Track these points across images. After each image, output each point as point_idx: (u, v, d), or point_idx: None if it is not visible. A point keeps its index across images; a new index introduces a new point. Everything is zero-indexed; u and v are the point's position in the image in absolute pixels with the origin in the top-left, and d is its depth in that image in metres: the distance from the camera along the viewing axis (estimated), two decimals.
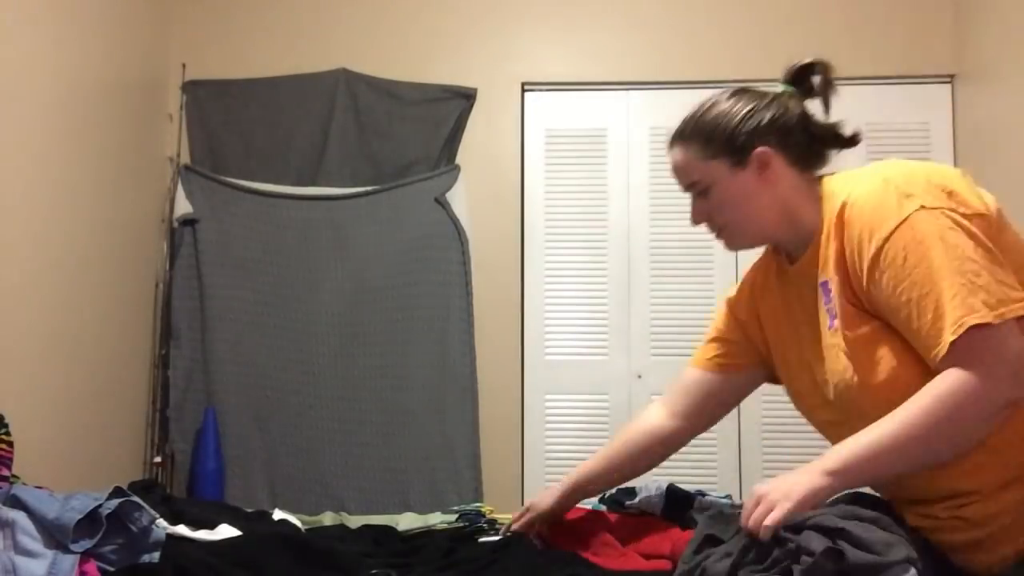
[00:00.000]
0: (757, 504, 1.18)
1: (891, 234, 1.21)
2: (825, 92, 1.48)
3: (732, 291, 1.61)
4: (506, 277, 3.48)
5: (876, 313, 1.26)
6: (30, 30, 2.57)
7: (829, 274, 1.31)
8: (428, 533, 2.19)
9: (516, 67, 3.56)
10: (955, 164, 3.38)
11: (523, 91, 3.56)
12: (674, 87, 3.50)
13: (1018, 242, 1.26)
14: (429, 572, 1.70)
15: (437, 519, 2.49)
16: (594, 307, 3.46)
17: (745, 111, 1.40)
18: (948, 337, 1.15)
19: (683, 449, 3.06)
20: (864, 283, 1.25)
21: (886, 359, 1.25)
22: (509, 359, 3.45)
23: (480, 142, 3.53)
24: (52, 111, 2.69)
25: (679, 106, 3.68)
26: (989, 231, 1.21)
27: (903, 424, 1.17)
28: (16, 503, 1.57)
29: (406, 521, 2.46)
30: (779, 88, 1.46)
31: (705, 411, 1.65)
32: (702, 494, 2.16)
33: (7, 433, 1.94)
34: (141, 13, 3.33)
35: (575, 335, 3.47)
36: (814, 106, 1.49)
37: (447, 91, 3.53)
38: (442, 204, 3.44)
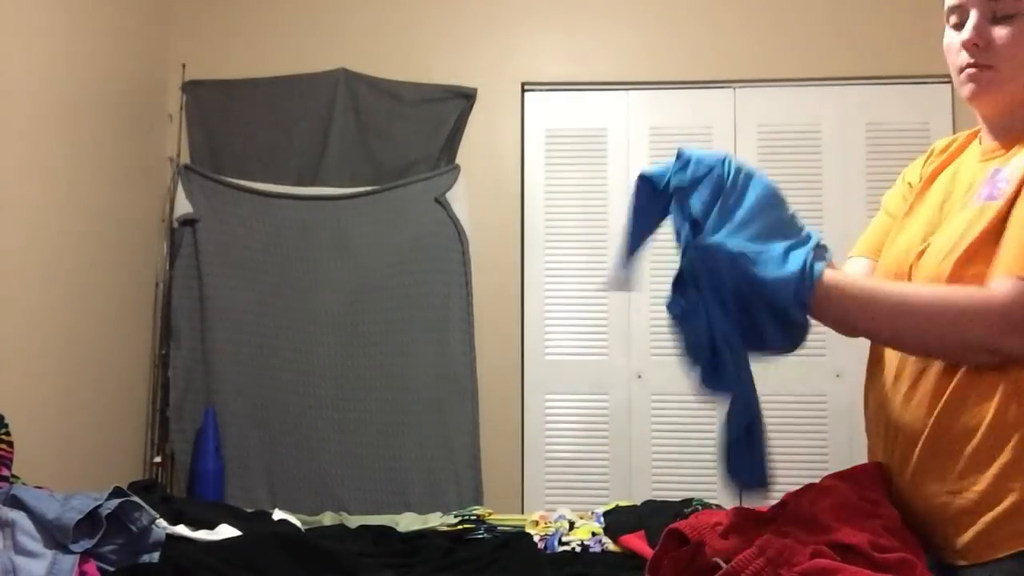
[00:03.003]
0: None
1: None
2: None
3: (906, 172, 1.48)
4: (506, 277, 3.48)
5: None
6: (30, 31, 2.57)
7: (1011, 162, 1.18)
8: (428, 533, 2.20)
9: (516, 67, 3.56)
10: None
11: (523, 91, 3.56)
12: (674, 87, 3.50)
13: None
14: (429, 572, 1.70)
15: (437, 519, 2.49)
16: (594, 307, 3.46)
17: None
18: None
19: (681, 452, 3.12)
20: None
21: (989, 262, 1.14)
22: (509, 359, 3.45)
23: (480, 142, 3.53)
24: (52, 111, 2.69)
25: (679, 106, 3.68)
26: None
27: (914, 299, 1.14)
28: (16, 503, 1.57)
29: (406, 521, 2.46)
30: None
31: None
32: (690, 502, 2.17)
33: (7, 433, 1.94)
34: (141, 13, 3.33)
35: (575, 335, 3.47)
36: None
37: (447, 91, 3.53)
38: (442, 204, 3.44)
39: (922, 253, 1.23)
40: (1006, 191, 1.16)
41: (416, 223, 3.43)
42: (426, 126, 3.52)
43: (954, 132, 3.38)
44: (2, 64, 2.43)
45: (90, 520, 1.54)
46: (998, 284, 1.11)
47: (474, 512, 2.55)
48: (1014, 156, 1.20)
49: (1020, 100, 1.23)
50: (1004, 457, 1.14)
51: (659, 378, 3.39)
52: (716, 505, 2.19)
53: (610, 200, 3.48)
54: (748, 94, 3.48)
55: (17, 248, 2.50)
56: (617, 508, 2.40)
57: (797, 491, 1.26)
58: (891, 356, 1.28)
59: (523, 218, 3.51)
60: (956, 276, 1.16)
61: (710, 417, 3.36)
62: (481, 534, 2.23)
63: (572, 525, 2.34)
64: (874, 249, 1.43)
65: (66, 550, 1.48)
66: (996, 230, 1.15)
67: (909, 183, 1.44)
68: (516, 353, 3.45)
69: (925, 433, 1.21)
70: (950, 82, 3.63)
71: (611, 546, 2.13)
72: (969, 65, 1.25)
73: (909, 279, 1.25)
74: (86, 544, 1.51)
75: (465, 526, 2.36)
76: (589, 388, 3.44)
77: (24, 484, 1.85)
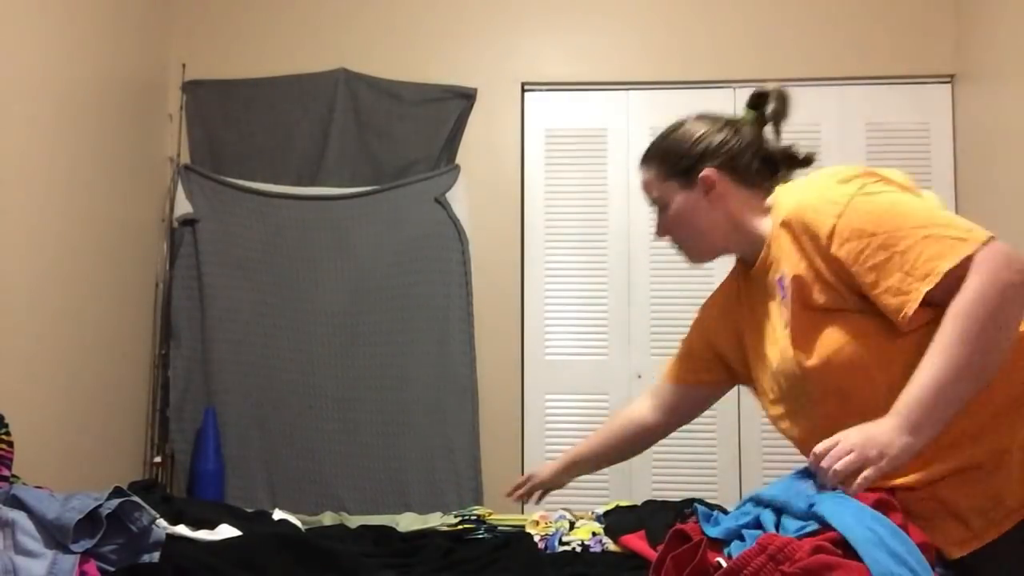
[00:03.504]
0: (844, 452, 1.17)
1: (844, 210, 1.28)
2: (776, 119, 1.58)
3: (706, 302, 1.72)
4: (506, 277, 3.48)
5: (845, 284, 1.29)
6: (30, 31, 2.57)
7: (782, 270, 1.38)
8: (428, 533, 2.19)
9: (516, 67, 3.56)
10: (955, 164, 3.38)
11: (523, 91, 3.56)
12: (674, 87, 3.51)
13: None
14: (429, 572, 1.70)
15: (437, 519, 2.49)
16: (594, 307, 3.46)
17: (696, 136, 1.53)
18: (929, 286, 1.20)
19: (681, 452, 3.12)
20: (828, 262, 1.30)
21: (831, 338, 1.30)
22: (509, 359, 3.45)
23: (480, 142, 3.53)
24: (52, 111, 2.69)
25: (679, 106, 3.69)
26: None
27: (945, 348, 1.18)
28: (16, 503, 1.57)
29: (406, 521, 2.46)
30: (740, 113, 1.59)
31: (682, 413, 1.82)
32: (691, 503, 2.16)
33: (7, 433, 1.94)
34: (141, 13, 3.33)
35: (575, 335, 3.47)
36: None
37: (447, 91, 3.53)
38: (442, 204, 3.44)
39: (785, 370, 1.39)
40: (788, 300, 1.36)
41: (416, 223, 3.43)
42: (426, 126, 3.52)
43: (954, 132, 3.41)
44: (2, 64, 2.43)
45: (90, 520, 1.53)
46: (973, 266, 1.19)
47: (474, 512, 2.55)
48: (776, 262, 1.40)
49: (720, 243, 1.54)
50: (984, 441, 1.24)
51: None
52: (717, 505, 2.19)
53: (610, 200, 3.48)
54: (748, 94, 3.46)
55: (17, 248, 2.50)
56: (617, 508, 2.40)
57: None
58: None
59: (523, 218, 3.51)
60: (833, 368, 1.31)
61: (710, 417, 3.36)
62: (481, 534, 2.23)
63: (572, 525, 2.33)
64: (675, 377, 1.78)
65: (66, 550, 1.48)
66: (801, 312, 1.34)
67: (702, 330, 1.73)
68: (516, 353, 3.45)
69: None
70: (950, 82, 3.65)
71: (611, 546, 2.13)
72: (673, 245, 1.60)
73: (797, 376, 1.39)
74: (86, 544, 1.51)
75: (465, 526, 2.35)
76: (589, 388, 3.44)
77: (24, 484, 1.85)
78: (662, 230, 1.59)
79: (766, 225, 1.45)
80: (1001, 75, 3.10)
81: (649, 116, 3.50)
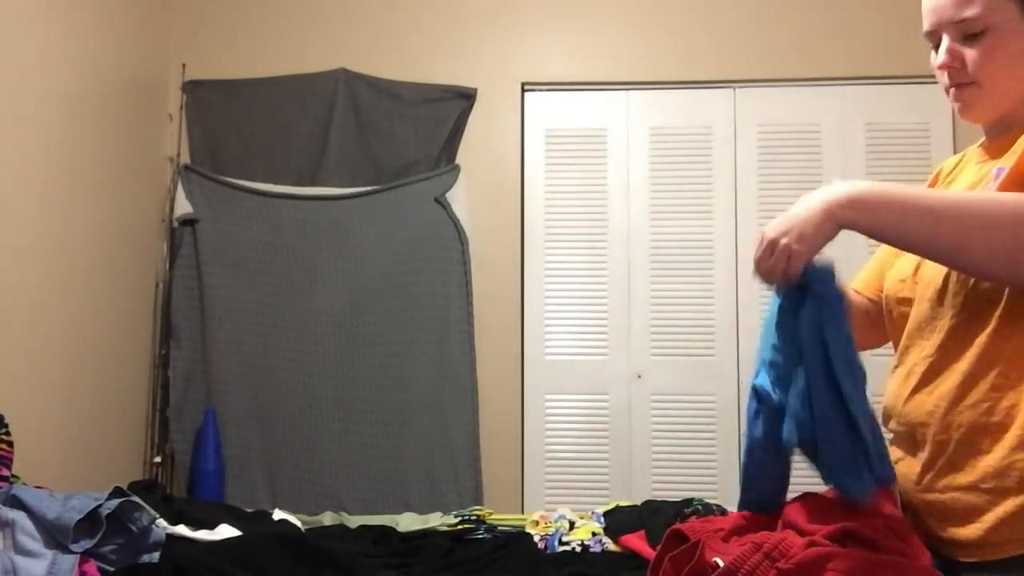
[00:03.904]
0: (768, 252, 1.10)
1: None
2: None
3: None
4: (506, 277, 3.48)
5: None
6: (30, 30, 2.57)
7: (1009, 161, 1.17)
8: (428, 533, 2.20)
9: (516, 67, 3.56)
10: None
11: (523, 91, 3.56)
12: (674, 87, 3.51)
13: None
14: (429, 572, 1.70)
15: (437, 519, 2.49)
16: (594, 307, 3.46)
17: None
18: None
19: (681, 452, 3.11)
20: None
21: None
22: (509, 359, 3.45)
23: (480, 142, 3.53)
24: (52, 111, 2.69)
25: (678, 106, 3.69)
26: None
27: (956, 199, 1.08)
28: (16, 503, 1.57)
29: (406, 521, 2.46)
30: None
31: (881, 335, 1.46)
32: (690, 503, 2.16)
33: (7, 433, 1.94)
34: (141, 13, 3.33)
35: (575, 335, 3.47)
36: None
37: (447, 91, 3.53)
38: (442, 204, 3.44)
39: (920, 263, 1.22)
40: (1002, 179, 1.15)
41: (416, 223, 3.43)
42: (426, 126, 3.52)
43: (954, 132, 3.40)
44: (2, 64, 2.43)
45: (90, 520, 1.54)
46: None
47: (474, 512, 2.55)
48: (1012, 151, 1.19)
49: (1008, 106, 1.23)
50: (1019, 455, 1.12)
51: (659, 378, 3.39)
52: (716, 505, 2.19)
53: (610, 200, 3.48)
54: (748, 94, 3.48)
55: (17, 248, 2.50)
56: (617, 508, 2.40)
57: (800, 497, 1.26)
58: (908, 350, 1.27)
59: (523, 218, 3.51)
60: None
61: (710, 417, 3.36)
62: (481, 534, 2.23)
63: (572, 525, 2.34)
64: (870, 286, 1.43)
65: (66, 550, 1.48)
66: None
67: None
68: (516, 353, 3.45)
69: (939, 428, 1.19)
70: None
71: (611, 546, 2.13)
72: (951, 85, 1.25)
73: (912, 289, 1.25)
74: (86, 544, 1.51)
75: (465, 526, 2.36)
76: (589, 388, 3.44)
77: (24, 484, 1.85)
78: (955, 60, 1.22)
79: None
80: None
81: (649, 116, 3.50)
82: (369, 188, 3.48)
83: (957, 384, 1.17)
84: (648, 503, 2.40)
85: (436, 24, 3.57)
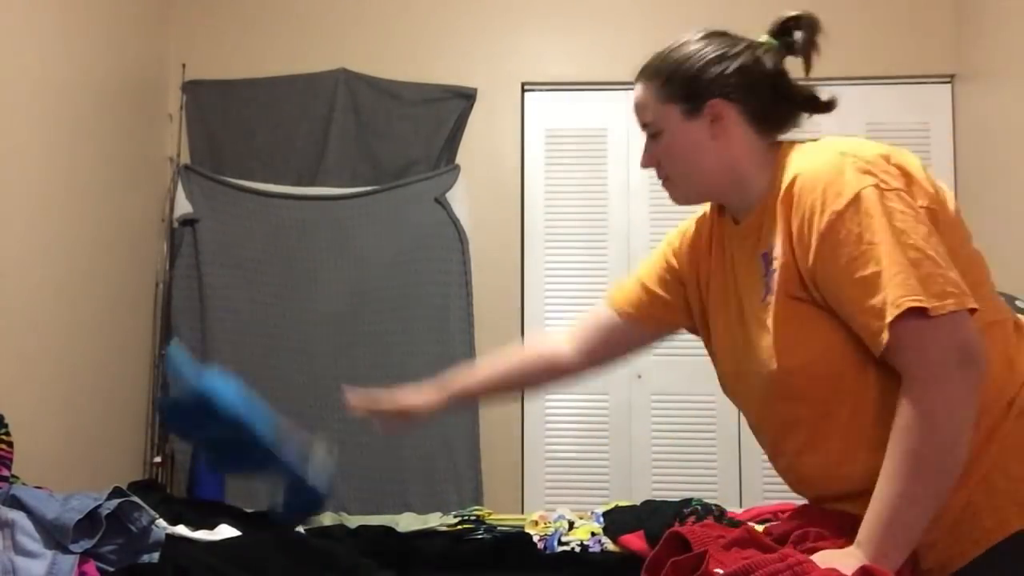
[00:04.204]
0: None
1: (845, 208, 1.14)
2: (807, 50, 1.37)
3: (675, 238, 1.49)
4: (506, 277, 3.48)
5: (819, 293, 1.18)
6: (30, 30, 2.57)
7: (772, 246, 1.23)
8: (428, 533, 2.20)
9: (516, 67, 3.56)
10: (955, 164, 3.38)
11: (523, 91, 3.56)
12: None
13: (964, 246, 1.22)
14: (429, 572, 1.70)
15: (437, 519, 2.49)
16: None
17: (711, 57, 1.33)
18: (889, 315, 1.09)
19: (681, 452, 3.08)
20: (811, 258, 1.17)
21: (809, 343, 1.19)
22: None
23: (480, 142, 3.53)
24: (52, 111, 2.69)
25: None
26: (938, 226, 1.16)
27: (898, 476, 1.10)
28: (16, 503, 1.57)
29: (406, 521, 2.46)
30: (761, 38, 1.38)
31: (608, 356, 1.57)
32: (690, 502, 2.16)
33: (7, 433, 1.94)
34: (141, 13, 3.33)
35: None
36: (795, 64, 1.38)
37: (447, 91, 3.53)
38: (442, 204, 3.44)
39: (757, 361, 1.26)
40: (773, 284, 1.22)
41: (416, 223, 3.43)
42: (426, 126, 3.52)
43: (954, 132, 3.40)
44: (2, 64, 2.43)
45: (90, 520, 1.54)
46: (888, 356, 1.11)
47: (474, 512, 2.55)
48: (769, 233, 1.25)
49: (715, 189, 1.34)
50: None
51: (659, 378, 3.39)
52: (715, 505, 2.19)
53: (610, 200, 3.48)
54: None
55: (17, 248, 2.50)
56: (616, 508, 2.40)
57: (799, 515, 1.26)
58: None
59: (523, 218, 3.51)
60: (806, 377, 1.21)
61: (710, 417, 3.36)
62: (481, 534, 2.23)
63: (572, 525, 2.33)
64: (629, 304, 1.51)
65: (66, 550, 1.48)
66: (785, 301, 1.21)
67: (670, 262, 1.49)
68: None
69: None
70: (950, 82, 3.64)
71: (611, 546, 2.13)
72: (659, 178, 1.38)
73: (745, 390, 1.33)
74: (86, 544, 1.51)
75: (465, 526, 2.36)
76: (589, 388, 3.43)
77: (24, 484, 1.85)
78: (651, 160, 1.37)
79: (764, 182, 1.27)
80: (1001, 75, 3.10)
81: None
82: (369, 188, 3.48)
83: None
84: (647, 503, 2.39)
85: (436, 24, 3.57)
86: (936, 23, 3.44)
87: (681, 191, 1.37)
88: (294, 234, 3.43)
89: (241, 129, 3.55)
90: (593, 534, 2.23)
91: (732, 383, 1.39)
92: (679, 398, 3.37)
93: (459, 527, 2.35)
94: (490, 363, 1.64)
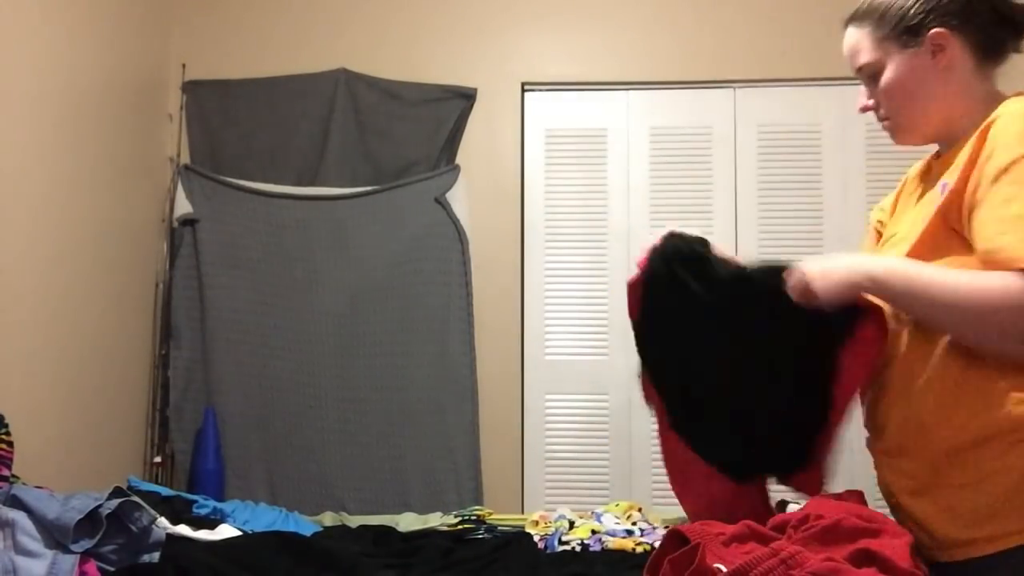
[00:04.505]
0: (799, 283, 1.25)
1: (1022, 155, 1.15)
2: None
3: (885, 199, 1.53)
4: (506, 277, 3.48)
5: (968, 227, 1.20)
6: (30, 31, 2.57)
7: (952, 176, 1.24)
8: (428, 533, 2.20)
9: (516, 67, 3.56)
10: None
11: (523, 91, 3.56)
12: (674, 87, 3.50)
13: None
14: (429, 572, 1.70)
15: (437, 519, 2.50)
16: (594, 307, 3.46)
17: None
18: (1006, 264, 1.11)
19: None
20: (978, 190, 1.18)
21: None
22: (509, 359, 3.45)
23: (480, 142, 3.53)
24: (52, 111, 2.69)
25: (678, 106, 3.68)
26: None
27: (953, 287, 1.15)
28: (16, 503, 1.57)
29: (406, 521, 2.46)
30: None
31: None
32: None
33: (7, 433, 1.94)
34: (141, 13, 3.33)
35: (575, 335, 3.47)
36: None
37: (447, 91, 3.53)
38: (442, 204, 3.44)
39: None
40: (939, 208, 1.24)
41: (416, 223, 3.43)
42: (426, 126, 3.52)
43: None
44: (2, 64, 2.43)
45: (90, 520, 1.54)
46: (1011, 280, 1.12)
47: (474, 512, 2.55)
48: (955, 165, 1.25)
49: (933, 127, 1.34)
50: (1003, 458, 1.16)
51: None
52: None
53: (610, 200, 3.48)
54: (748, 94, 3.48)
55: (17, 248, 2.50)
56: None
57: (803, 511, 1.26)
58: (897, 355, 1.29)
59: (523, 218, 3.51)
60: None
61: None
62: (481, 534, 2.23)
63: (572, 524, 2.34)
64: None
65: (66, 550, 1.48)
66: (940, 223, 1.24)
67: (879, 222, 1.52)
68: (516, 353, 3.45)
69: (932, 431, 1.22)
70: None
71: (611, 545, 2.13)
72: (879, 121, 1.39)
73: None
74: (86, 544, 1.51)
75: (465, 526, 2.36)
76: (589, 388, 3.44)
77: (24, 484, 1.85)
78: (869, 103, 1.37)
79: (979, 119, 1.25)
80: (1000, 75, 3.10)
81: (649, 116, 3.50)
82: (369, 188, 3.48)
83: (960, 391, 1.21)
84: None
85: (436, 24, 3.57)
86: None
87: (906, 128, 1.36)
88: (294, 234, 3.43)
89: (241, 129, 3.55)
90: (593, 532, 2.23)
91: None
92: None
93: (459, 527, 2.35)
94: None
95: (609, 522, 2.39)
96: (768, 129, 3.45)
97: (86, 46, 2.90)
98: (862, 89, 1.38)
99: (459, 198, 3.46)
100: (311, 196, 3.46)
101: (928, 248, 1.23)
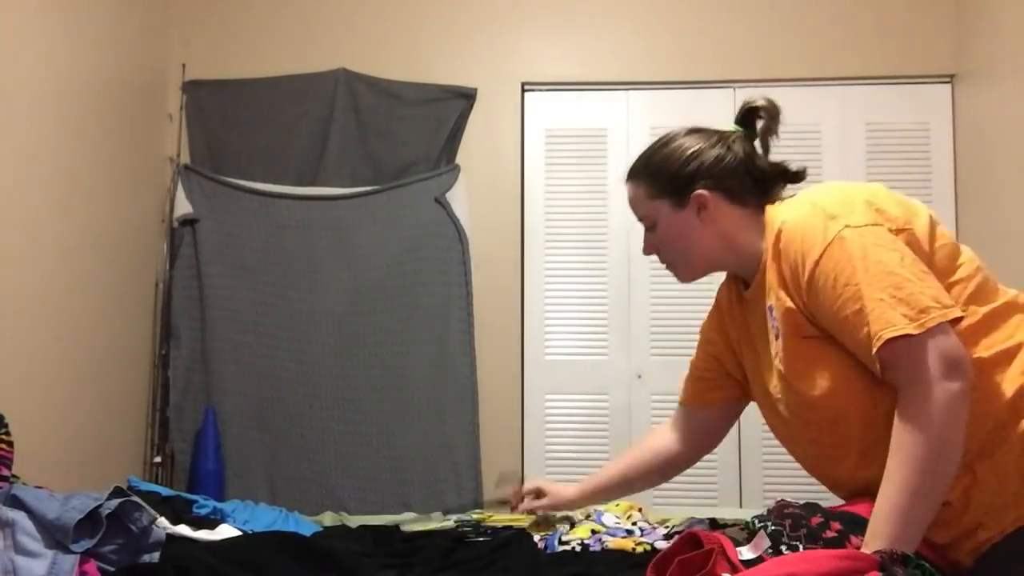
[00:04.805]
0: None
1: (820, 257, 1.27)
2: (765, 136, 1.51)
3: (705, 325, 1.71)
4: (506, 277, 3.48)
5: (823, 329, 1.31)
6: (30, 31, 2.57)
7: (772, 299, 1.37)
8: (428, 533, 2.20)
9: (516, 67, 3.56)
10: (955, 164, 3.38)
11: (523, 91, 3.56)
12: (673, 87, 3.51)
13: (952, 251, 1.33)
14: (429, 572, 1.70)
15: (438, 520, 2.49)
16: (594, 307, 3.46)
17: (688, 153, 1.48)
18: (874, 347, 1.22)
19: None
20: (805, 303, 1.31)
21: (822, 375, 1.31)
22: (509, 359, 3.45)
23: (480, 142, 3.53)
24: (52, 111, 2.69)
25: (678, 106, 3.68)
26: (915, 244, 1.29)
27: (905, 481, 1.19)
28: (16, 503, 1.57)
29: (406, 521, 2.46)
30: (730, 128, 1.54)
31: (703, 437, 1.82)
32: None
33: (7, 433, 1.94)
34: (141, 13, 3.33)
35: (575, 335, 3.47)
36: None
37: (447, 91, 3.53)
38: (442, 204, 3.44)
39: (781, 400, 1.43)
40: (778, 329, 1.37)
41: (416, 223, 3.43)
42: (426, 126, 3.52)
43: (954, 132, 3.40)
44: (2, 64, 2.43)
45: (90, 520, 1.53)
46: (888, 377, 1.24)
47: (472, 517, 2.54)
48: (768, 288, 1.39)
49: (714, 262, 1.51)
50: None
51: (659, 378, 3.39)
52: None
53: (610, 200, 3.48)
54: (748, 94, 3.47)
55: (17, 248, 2.50)
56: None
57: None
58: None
59: (523, 218, 3.51)
60: (827, 403, 1.33)
61: None
62: (481, 537, 2.23)
63: (572, 525, 2.33)
64: (695, 398, 1.76)
65: (66, 550, 1.48)
66: (795, 341, 1.35)
67: (709, 342, 1.71)
68: (516, 353, 3.45)
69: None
70: (950, 82, 3.64)
71: (611, 544, 2.13)
72: (662, 263, 1.58)
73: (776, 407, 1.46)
74: (86, 544, 1.51)
75: (463, 530, 2.35)
76: (589, 388, 3.44)
77: (24, 484, 1.85)
78: (651, 249, 1.57)
79: (759, 245, 1.43)
80: (1001, 75, 3.10)
81: (649, 116, 3.50)
82: (369, 188, 3.48)
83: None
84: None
85: (436, 24, 3.57)
86: (936, 23, 3.44)
87: (684, 271, 1.55)
88: (294, 234, 3.44)
89: (241, 129, 3.55)
90: (593, 532, 2.23)
91: (772, 425, 1.54)
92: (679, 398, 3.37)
93: (459, 529, 2.35)
94: (619, 469, 1.91)
95: (609, 522, 2.39)
96: None
97: (86, 46, 2.90)
98: (644, 235, 1.57)
99: (459, 198, 3.46)
100: (311, 196, 3.46)
101: (801, 363, 1.34)
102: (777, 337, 1.37)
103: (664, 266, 1.58)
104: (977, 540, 1.26)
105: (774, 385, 1.42)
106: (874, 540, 1.18)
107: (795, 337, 1.34)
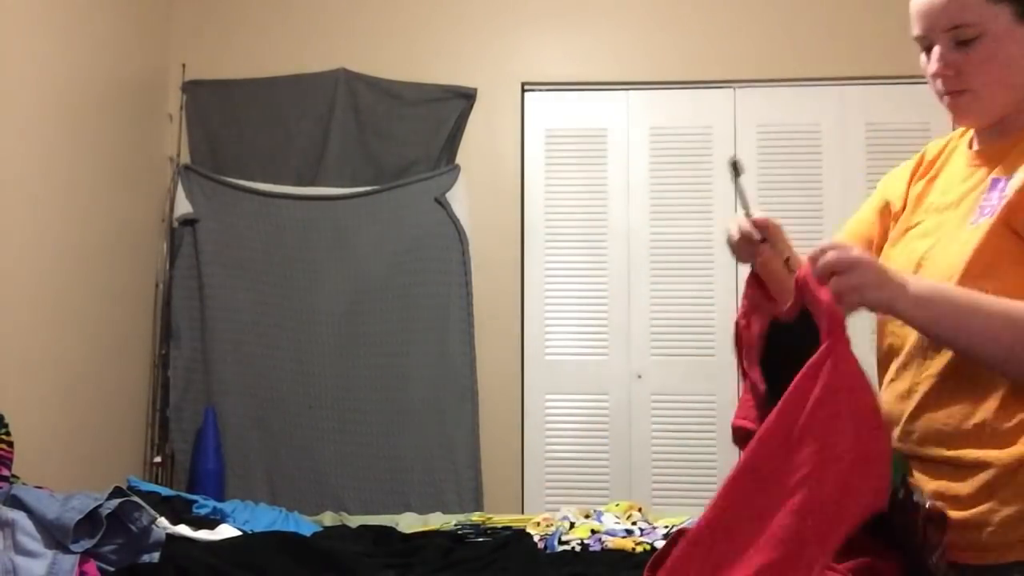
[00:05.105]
0: (844, 261, 1.04)
1: None
2: None
3: (897, 170, 1.43)
4: (506, 277, 3.48)
5: None
6: (30, 31, 2.57)
7: (1014, 172, 1.14)
8: (428, 533, 2.20)
9: (516, 67, 3.56)
10: None
11: (523, 91, 3.56)
12: (673, 87, 3.50)
13: None
14: (429, 572, 1.70)
15: (438, 520, 2.50)
16: (594, 307, 3.46)
17: None
18: None
19: (681, 452, 3.05)
20: None
21: (1003, 277, 1.10)
22: (509, 359, 3.45)
23: (480, 142, 3.53)
24: (52, 111, 2.69)
25: (678, 106, 3.68)
26: None
27: (1008, 311, 1.05)
28: (16, 503, 1.57)
29: (406, 521, 2.47)
30: None
31: None
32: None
33: (7, 433, 1.94)
34: (141, 13, 3.33)
35: (575, 335, 3.47)
36: None
37: (447, 91, 3.53)
38: (442, 204, 3.44)
39: (917, 269, 1.20)
40: (995, 208, 1.14)
41: (416, 223, 3.43)
42: (426, 126, 3.52)
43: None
44: (2, 64, 2.43)
45: (90, 520, 1.54)
46: None
47: (471, 520, 2.55)
48: (1012, 162, 1.16)
49: (1003, 112, 1.22)
50: None
51: (659, 378, 3.39)
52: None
53: (610, 200, 3.48)
54: (748, 94, 3.48)
55: (17, 248, 2.50)
56: None
57: None
58: (907, 366, 1.23)
59: (523, 218, 3.51)
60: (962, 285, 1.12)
61: (710, 417, 3.36)
62: (479, 539, 2.23)
63: (572, 525, 2.34)
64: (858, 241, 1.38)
65: (66, 550, 1.48)
66: (1001, 228, 1.12)
67: (887, 201, 1.39)
68: (516, 353, 3.45)
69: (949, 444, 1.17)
70: None
71: (611, 544, 2.13)
72: (946, 93, 1.25)
73: None
74: (86, 544, 1.51)
75: (463, 532, 2.36)
76: (589, 388, 3.44)
77: (24, 484, 1.85)
78: (950, 68, 1.21)
79: None
80: None
81: (649, 116, 3.50)
82: (369, 188, 3.48)
83: (966, 403, 1.14)
84: None
85: (436, 24, 3.57)
86: None
87: (982, 110, 1.24)
88: (294, 234, 3.44)
89: (241, 129, 3.55)
90: (593, 532, 2.23)
91: (891, 332, 1.28)
92: (679, 398, 3.37)
93: (458, 531, 2.35)
94: None
95: (609, 522, 2.39)
96: (768, 129, 3.45)
97: (86, 46, 2.90)
98: (938, 52, 1.22)
99: (459, 198, 3.46)
100: (311, 196, 3.46)
101: (991, 258, 1.12)
102: (986, 215, 1.13)
103: (947, 96, 1.26)
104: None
105: (932, 258, 1.18)
106: (925, 285, 1.06)
107: (1008, 227, 1.11)
